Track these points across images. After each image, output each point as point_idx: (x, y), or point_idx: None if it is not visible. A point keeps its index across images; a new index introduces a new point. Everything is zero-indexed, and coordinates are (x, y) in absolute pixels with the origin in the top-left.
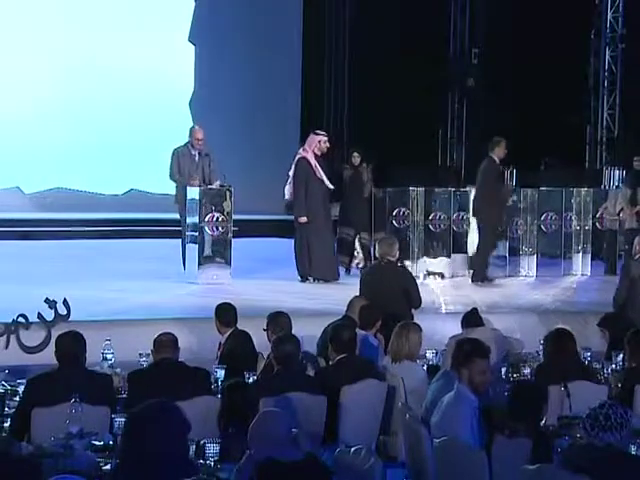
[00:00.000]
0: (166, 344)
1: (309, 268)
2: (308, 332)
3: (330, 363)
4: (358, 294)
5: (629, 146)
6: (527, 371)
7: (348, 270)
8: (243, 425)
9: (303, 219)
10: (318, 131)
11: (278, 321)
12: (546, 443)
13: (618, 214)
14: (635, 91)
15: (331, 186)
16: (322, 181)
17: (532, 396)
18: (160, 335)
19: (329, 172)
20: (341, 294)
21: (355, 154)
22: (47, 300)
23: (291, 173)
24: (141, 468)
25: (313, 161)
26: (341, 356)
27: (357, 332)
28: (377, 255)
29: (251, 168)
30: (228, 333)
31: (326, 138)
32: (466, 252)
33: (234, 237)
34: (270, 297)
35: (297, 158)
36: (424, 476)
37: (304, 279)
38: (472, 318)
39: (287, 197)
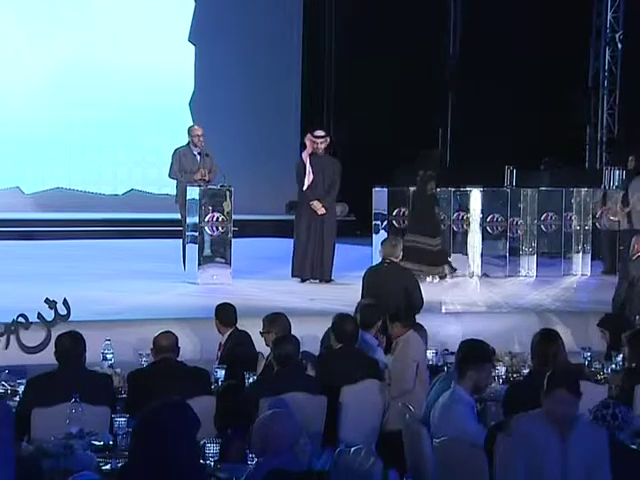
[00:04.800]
0: (166, 344)
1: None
2: (308, 332)
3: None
4: (360, 295)
5: (628, 146)
6: (527, 371)
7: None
8: (242, 426)
9: (317, 206)
10: (313, 131)
11: (277, 322)
12: None
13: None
14: (634, 91)
15: (305, 187)
16: (312, 180)
17: (527, 394)
18: (159, 335)
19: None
20: (341, 294)
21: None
22: (47, 300)
23: None
24: (150, 468)
25: (306, 161)
26: (340, 346)
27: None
28: (380, 256)
29: (251, 168)
30: (228, 333)
31: (320, 137)
32: (466, 252)
33: (234, 237)
34: (270, 297)
35: None
36: (424, 476)
37: (304, 279)
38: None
39: None
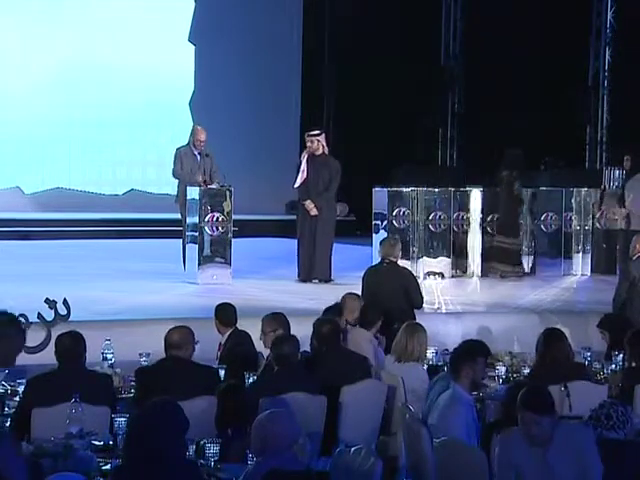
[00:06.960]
0: (175, 340)
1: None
2: (308, 332)
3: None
4: (360, 294)
5: (624, 145)
6: (527, 371)
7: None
8: (242, 426)
9: (309, 206)
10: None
11: (275, 321)
12: None
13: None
14: (631, 90)
15: (296, 185)
16: (304, 179)
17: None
18: (171, 330)
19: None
20: (341, 294)
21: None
22: (47, 300)
23: None
24: (142, 467)
25: (303, 159)
26: (322, 348)
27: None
28: (379, 255)
29: (251, 168)
30: (228, 333)
31: (310, 135)
32: (466, 252)
33: (234, 237)
34: (270, 297)
35: None
36: (424, 476)
37: (303, 280)
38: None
39: None
